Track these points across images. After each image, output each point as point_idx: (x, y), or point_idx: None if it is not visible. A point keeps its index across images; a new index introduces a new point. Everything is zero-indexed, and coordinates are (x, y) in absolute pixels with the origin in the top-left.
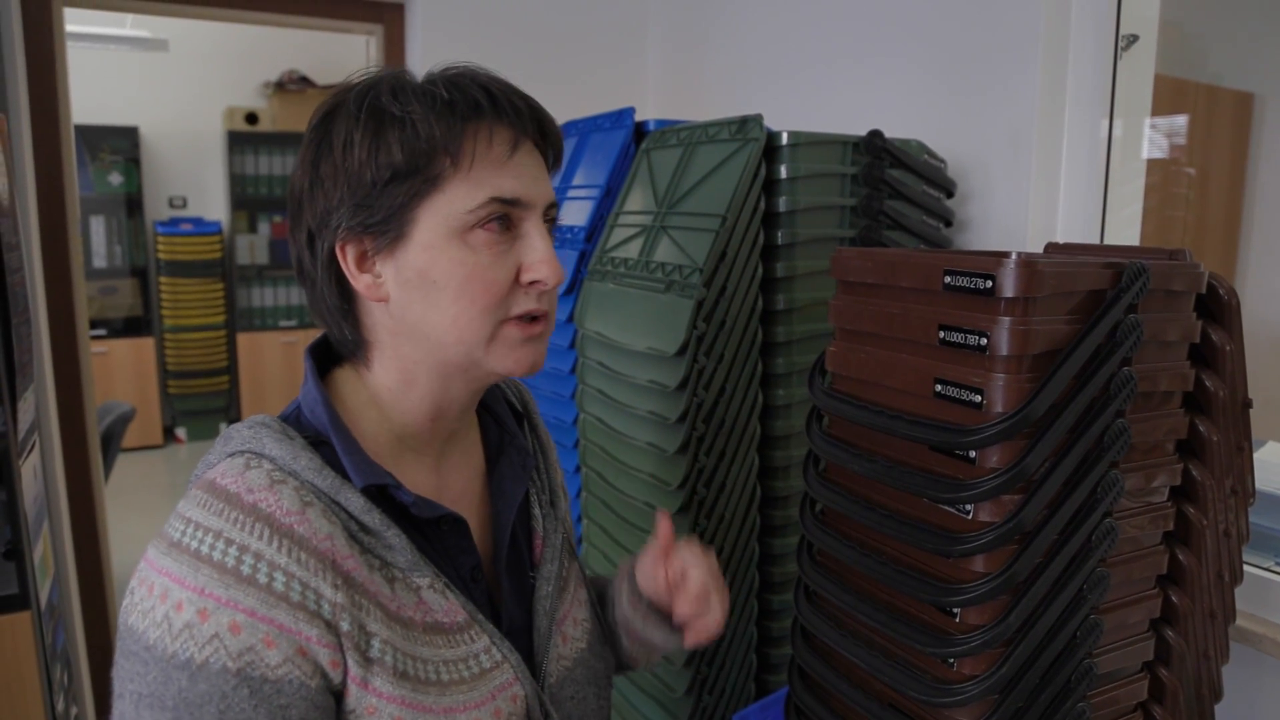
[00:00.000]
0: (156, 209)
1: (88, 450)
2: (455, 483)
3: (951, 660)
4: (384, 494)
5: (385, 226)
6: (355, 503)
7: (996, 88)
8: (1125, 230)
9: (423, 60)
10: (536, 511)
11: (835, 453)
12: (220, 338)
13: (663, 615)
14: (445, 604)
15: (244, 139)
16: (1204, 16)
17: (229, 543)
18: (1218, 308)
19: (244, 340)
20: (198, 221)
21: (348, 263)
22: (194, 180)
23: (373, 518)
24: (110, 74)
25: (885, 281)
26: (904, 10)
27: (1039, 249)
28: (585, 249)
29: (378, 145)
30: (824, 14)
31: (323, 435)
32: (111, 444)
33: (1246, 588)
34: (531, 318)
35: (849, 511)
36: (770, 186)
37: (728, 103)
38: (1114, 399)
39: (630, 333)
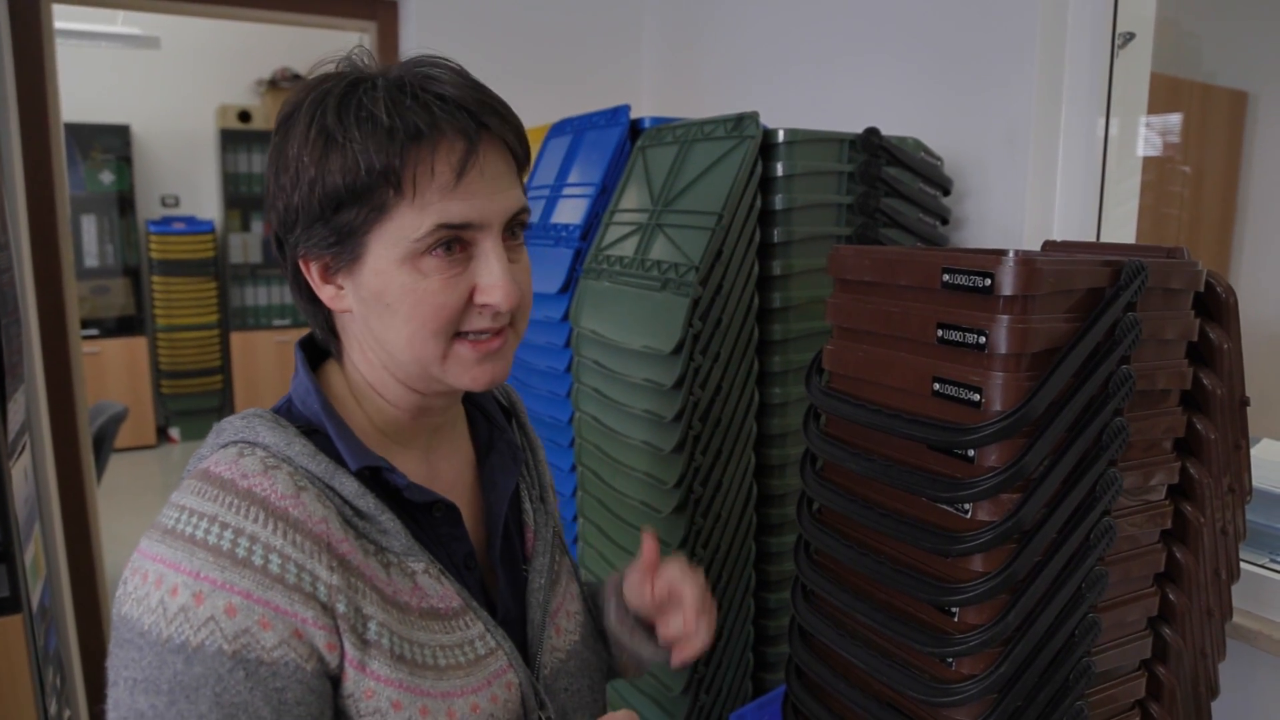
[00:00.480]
0: (148, 208)
1: (79, 451)
2: (446, 472)
3: (950, 659)
4: (377, 480)
5: (340, 249)
6: (349, 487)
7: (993, 85)
8: (1121, 228)
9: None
10: (527, 506)
11: (833, 451)
12: (213, 337)
13: (649, 630)
14: (440, 589)
15: (237, 137)
16: (1199, 14)
17: (224, 526)
18: (1216, 306)
19: (237, 339)
20: (190, 220)
21: (312, 275)
22: (186, 179)
23: (366, 502)
24: (101, 71)
25: (883, 279)
26: (901, 7)
27: (1035, 247)
28: (580, 247)
29: (324, 170)
30: (820, 11)
31: (315, 424)
32: (104, 444)
33: (1243, 585)
34: (489, 333)
35: (846, 510)
36: (766, 184)
37: (724, 100)
38: (1112, 397)
39: (626, 331)
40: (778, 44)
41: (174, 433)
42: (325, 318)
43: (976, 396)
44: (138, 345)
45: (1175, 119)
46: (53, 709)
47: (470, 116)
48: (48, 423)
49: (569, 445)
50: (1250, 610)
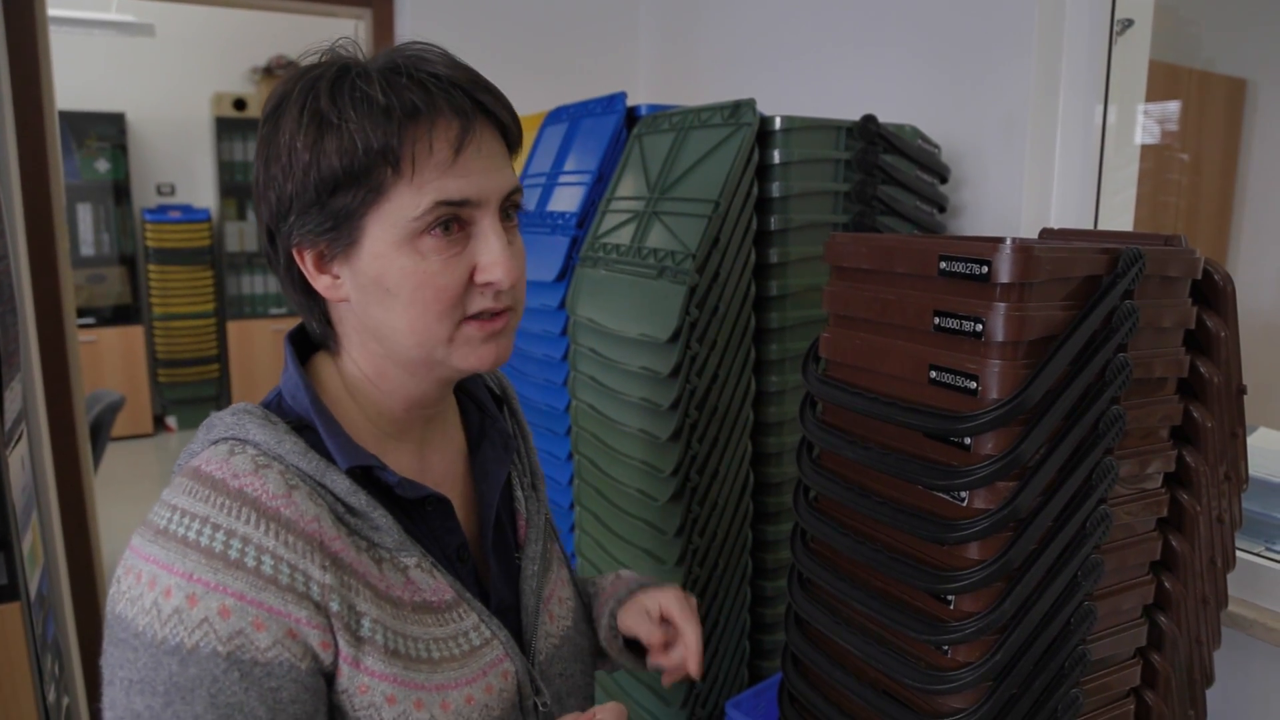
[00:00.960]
0: (144, 196)
1: (76, 439)
2: (438, 464)
3: (945, 647)
4: (369, 476)
5: (336, 234)
6: (341, 485)
7: (991, 72)
8: (1119, 216)
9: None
10: (519, 494)
11: (829, 439)
12: (210, 326)
13: (637, 651)
14: (433, 583)
15: (232, 125)
16: (1198, 1)
17: (216, 527)
18: (1213, 294)
19: (234, 328)
20: (186, 209)
21: (306, 264)
22: (182, 167)
23: (359, 499)
24: (96, 59)
25: (880, 267)
26: None
27: (1033, 235)
28: (577, 235)
29: (319, 154)
30: None
31: (305, 420)
32: (101, 433)
33: (1238, 573)
34: (492, 313)
35: (843, 498)
36: (763, 171)
37: (721, 87)
38: (1109, 385)
39: (622, 319)
40: (774, 31)
41: (171, 421)
42: (320, 310)
43: (973, 384)
44: (134, 334)
45: (1173, 106)
46: (51, 696)
47: (465, 94)
48: (44, 411)
49: (565, 433)
50: (1246, 599)
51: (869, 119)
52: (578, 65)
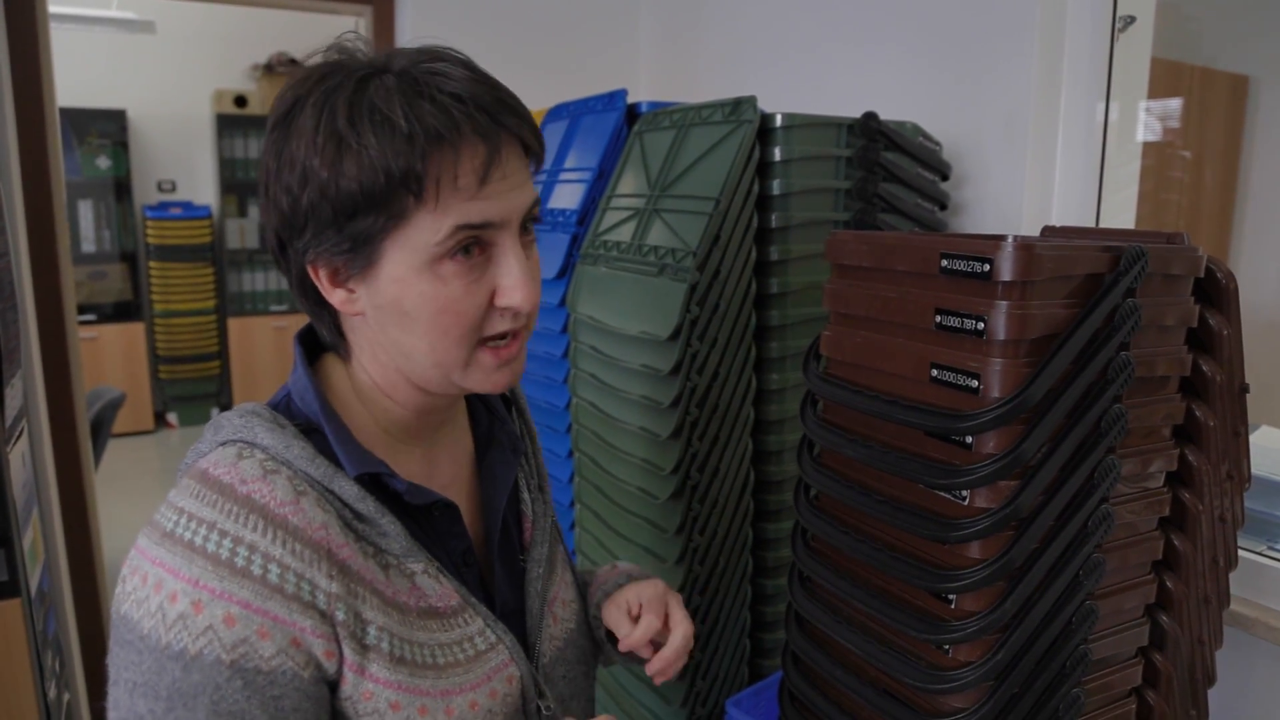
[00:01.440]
0: (145, 193)
1: (77, 436)
2: (446, 468)
3: (947, 646)
4: (376, 481)
5: (353, 255)
6: (349, 491)
7: (992, 69)
8: (1121, 214)
9: (411, 44)
10: (526, 496)
11: (830, 438)
12: (211, 322)
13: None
14: (439, 589)
15: (233, 122)
16: None
17: (223, 534)
18: (1216, 292)
19: (235, 325)
20: (187, 206)
21: (320, 280)
22: (183, 164)
23: (366, 505)
24: (97, 56)
25: (881, 265)
26: None
27: (1034, 232)
28: (577, 232)
29: (337, 177)
30: None
31: (314, 423)
32: (102, 430)
33: (1240, 572)
34: (509, 335)
35: (844, 497)
36: (764, 169)
37: (721, 84)
38: (1111, 384)
39: (623, 317)
40: (775, 28)
41: (172, 418)
42: (332, 319)
43: (975, 383)
44: (135, 331)
45: (1175, 103)
46: (52, 693)
47: (489, 117)
48: (45, 408)
49: (566, 431)
50: (1248, 598)
51: (870, 116)
52: (578, 62)
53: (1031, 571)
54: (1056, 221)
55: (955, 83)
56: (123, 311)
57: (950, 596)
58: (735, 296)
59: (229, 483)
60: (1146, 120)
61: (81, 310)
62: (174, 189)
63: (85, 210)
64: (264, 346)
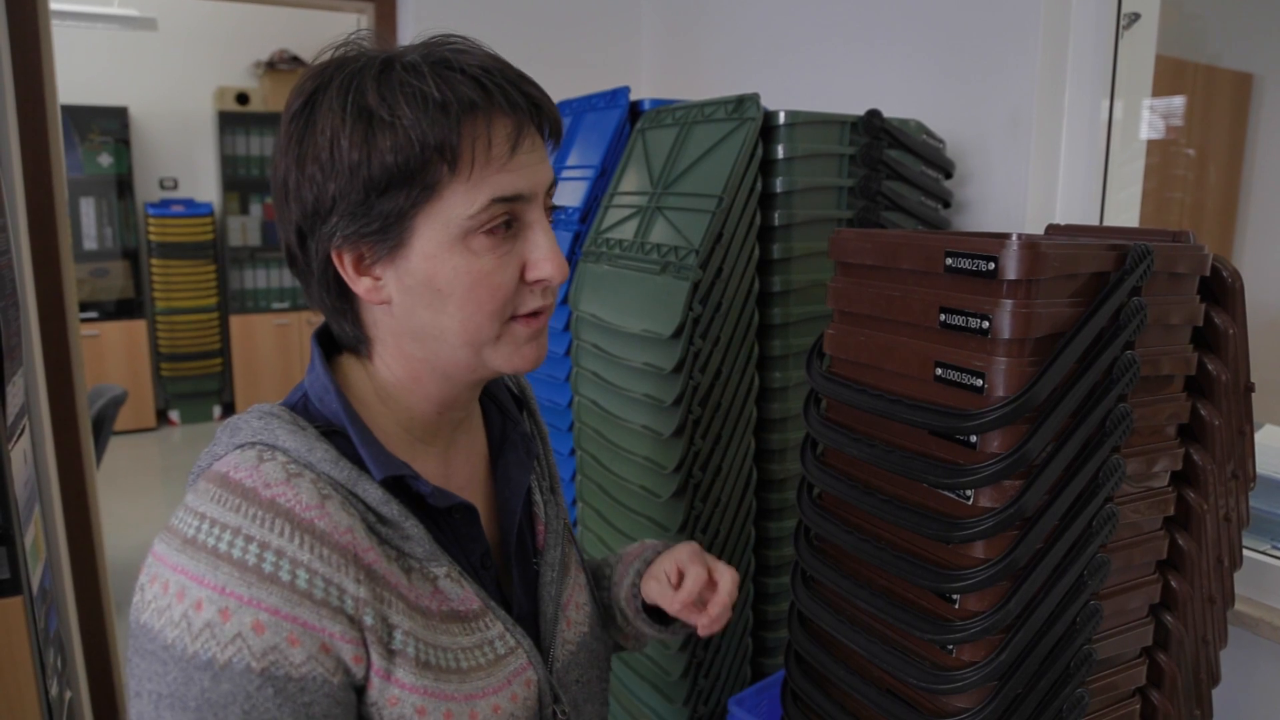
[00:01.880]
0: (147, 190)
1: (79, 433)
2: (462, 469)
3: (950, 646)
4: (399, 484)
5: (383, 235)
6: (373, 494)
7: (996, 67)
8: (1124, 212)
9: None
10: (538, 498)
11: (833, 437)
12: (213, 320)
13: (655, 617)
14: (461, 592)
15: (235, 119)
16: None
17: (249, 539)
18: (1221, 290)
19: (237, 322)
20: (189, 203)
21: (345, 268)
22: (185, 161)
23: (391, 509)
24: (98, 53)
25: (885, 263)
26: None
27: (1038, 230)
28: (580, 230)
29: (369, 151)
30: None
31: (334, 425)
32: (104, 427)
33: (1244, 571)
34: (535, 312)
35: (847, 496)
36: (767, 167)
37: (724, 82)
38: (1117, 383)
39: (625, 315)
40: (778, 25)
41: (174, 415)
42: (353, 313)
43: (979, 382)
44: (137, 328)
45: (1179, 101)
46: (54, 691)
47: (516, 89)
48: (47, 406)
49: (568, 429)
50: (1252, 597)
51: (873, 114)
52: (581, 60)
53: (1036, 571)
54: (1060, 219)
55: (959, 80)
56: (124, 309)
57: (954, 596)
58: (738, 294)
59: (252, 486)
60: (1150, 118)
61: (83, 307)
62: (176, 186)
63: (87, 207)
64: (266, 344)
